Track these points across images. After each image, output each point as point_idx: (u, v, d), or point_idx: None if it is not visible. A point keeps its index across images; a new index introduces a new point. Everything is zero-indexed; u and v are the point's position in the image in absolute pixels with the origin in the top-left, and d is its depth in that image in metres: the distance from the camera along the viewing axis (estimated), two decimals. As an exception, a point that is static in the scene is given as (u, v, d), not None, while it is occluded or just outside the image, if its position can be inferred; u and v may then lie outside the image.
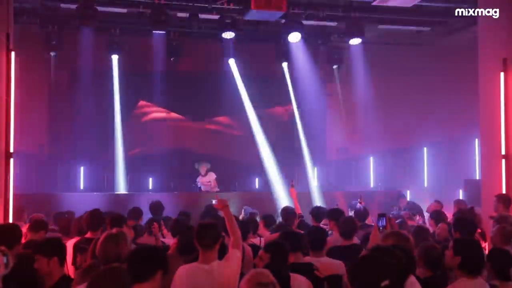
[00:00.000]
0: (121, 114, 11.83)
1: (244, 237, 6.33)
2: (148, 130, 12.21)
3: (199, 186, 11.52)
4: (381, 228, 4.56)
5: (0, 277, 2.99)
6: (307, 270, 4.50)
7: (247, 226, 6.41)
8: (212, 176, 11.55)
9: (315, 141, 12.87)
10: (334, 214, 6.51)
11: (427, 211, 8.72)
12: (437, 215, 7.15)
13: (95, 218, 6.10)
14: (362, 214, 7.41)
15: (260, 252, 4.18)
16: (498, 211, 7.39)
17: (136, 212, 7.95)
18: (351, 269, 2.74)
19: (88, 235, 6.01)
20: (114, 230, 4.09)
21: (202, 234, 4.09)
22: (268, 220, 7.08)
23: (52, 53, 10.92)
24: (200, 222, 4.38)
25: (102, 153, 11.77)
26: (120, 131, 11.81)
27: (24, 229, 6.48)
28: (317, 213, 7.20)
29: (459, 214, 7.06)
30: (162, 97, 12.18)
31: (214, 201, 9.04)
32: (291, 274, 4.10)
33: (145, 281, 3.26)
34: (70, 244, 6.00)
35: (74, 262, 5.72)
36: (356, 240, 5.73)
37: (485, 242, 6.22)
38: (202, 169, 11.54)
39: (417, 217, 8.63)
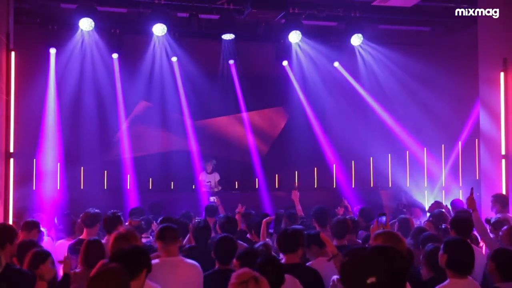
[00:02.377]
0: (121, 114, 11.83)
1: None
2: (148, 130, 12.19)
3: (199, 180, 11.58)
4: (381, 226, 4.58)
5: None
6: (301, 271, 4.55)
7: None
8: (216, 177, 11.58)
9: (316, 141, 12.86)
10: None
11: (428, 211, 8.71)
12: (438, 217, 7.12)
13: (89, 219, 6.12)
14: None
15: (234, 261, 4.52)
16: (495, 211, 7.41)
17: (138, 211, 8.03)
18: (341, 266, 2.76)
19: (83, 236, 6.03)
20: (122, 229, 4.14)
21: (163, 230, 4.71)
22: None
23: (52, 53, 10.91)
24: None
25: (104, 153, 11.75)
26: (124, 131, 11.81)
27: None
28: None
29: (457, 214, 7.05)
30: (162, 97, 12.17)
31: (212, 198, 9.12)
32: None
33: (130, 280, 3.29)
34: (65, 245, 6.03)
35: None
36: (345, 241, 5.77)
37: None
38: (208, 166, 11.62)
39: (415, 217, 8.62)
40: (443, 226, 6.41)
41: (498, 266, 4.33)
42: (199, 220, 6.34)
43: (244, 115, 12.78)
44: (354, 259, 2.65)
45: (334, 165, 13.12)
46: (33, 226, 6.12)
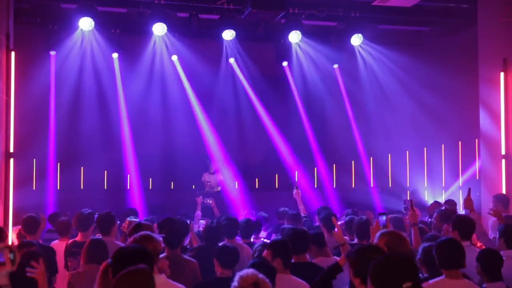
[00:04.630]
0: (121, 114, 11.83)
1: (247, 237, 6.43)
2: (148, 130, 12.19)
3: (202, 180, 11.60)
4: (381, 226, 4.60)
5: (7, 274, 3.02)
6: (310, 270, 4.57)
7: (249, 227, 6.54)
8: (218, 176, 11.61)
9: (316, 141, 12.86)
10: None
11: (427, 212, 8.70)
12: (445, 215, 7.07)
13: (83, 220, 6.06)
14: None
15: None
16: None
17: (133, 212, 8.03)
18: (374, 267, 2.81)
19: (78, 238, 5.99)
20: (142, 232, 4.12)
21: None
22: None
23: (52, 53, 10.91)
24: None
25: (104, 152, 11.74)
26: (124, 131, 11.82)
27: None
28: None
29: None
30: (162, 96, 12.16)
31: (209, 200, 9.11)
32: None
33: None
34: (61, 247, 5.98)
35: (66, 266, 5.69)
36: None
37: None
38: (211, 167, 11.66)
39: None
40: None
41: (483, 267, 4.36)
42: (212, 220, 6.34)
43: (244, 114, 12.76)
44: (391, 263, 2.74)
45: (334, 165, 13.12)
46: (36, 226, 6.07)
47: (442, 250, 4.15)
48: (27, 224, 6.03)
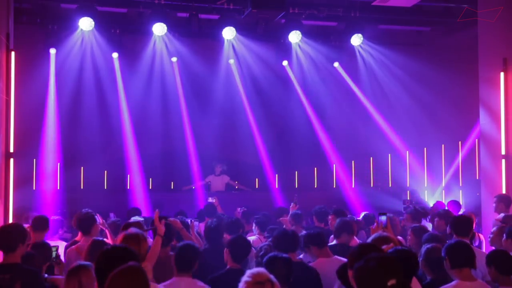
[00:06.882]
0: (121, 114, 11.82)
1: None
2: (148, 130, 12.19)
3: (207, 182, 11.59)
4: (383, 226, 4.59)
5: None
6: (300, 269, 4.60)
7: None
8: (224, 179, 11.61)
9: (316, 141, 12.86)
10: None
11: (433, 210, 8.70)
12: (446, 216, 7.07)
13: (83, 220, 6.05)
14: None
15: None
16: (498, 211, 7.42)
17: (136, 211, 8.03)
18: (356, 270, 2.77)
19: (78, 238, 5.99)
20: (131, 230, 4.16)
21: None
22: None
23: (52, 53, 10.90)
24: None
25: (104, 152, 11.73)
26: (124, 130, 11.81)
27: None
28: (320, 213, 7.27)
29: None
30: (162, 96, 12.16)
31: (210, 199, 9.10)
32: None
33: None
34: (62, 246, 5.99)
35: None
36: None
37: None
38: (217, 169, 11.65)
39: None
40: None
41: (497, 268, 4.30)
42: (211, 220, 6.39)
43: (245, 114, 12.76)
44: (371, 263, 2.70)
45: (334, 165, 13.11)
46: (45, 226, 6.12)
47: (454, 251, 4.16)
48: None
